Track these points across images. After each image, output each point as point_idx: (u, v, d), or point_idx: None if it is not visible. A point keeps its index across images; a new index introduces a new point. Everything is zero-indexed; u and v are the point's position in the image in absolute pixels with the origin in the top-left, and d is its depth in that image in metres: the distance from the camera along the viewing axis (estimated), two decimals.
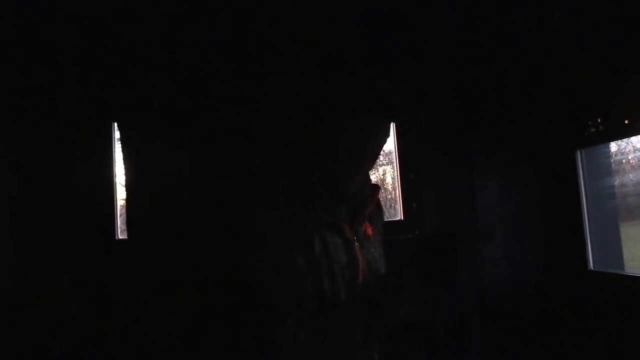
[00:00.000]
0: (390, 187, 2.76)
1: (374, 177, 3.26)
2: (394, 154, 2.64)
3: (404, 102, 1.18)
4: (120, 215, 2.40)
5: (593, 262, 2.20)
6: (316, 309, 1.02)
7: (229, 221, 1.09)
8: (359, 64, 1.16)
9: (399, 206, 2.58)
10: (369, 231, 1.25)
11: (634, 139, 2.21)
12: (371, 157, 1.14)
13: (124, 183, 2.38)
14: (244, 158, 2.24)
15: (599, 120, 2.07)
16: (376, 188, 1.28)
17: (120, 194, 2.42)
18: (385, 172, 3.33)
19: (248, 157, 2.23)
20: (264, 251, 1.01)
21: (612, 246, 2.22)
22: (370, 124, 1.08)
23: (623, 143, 2.33)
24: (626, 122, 1.94)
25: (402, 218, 2.54)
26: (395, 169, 2.62)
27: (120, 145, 2.40)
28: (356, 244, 1.16)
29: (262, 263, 1.00)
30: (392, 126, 1.20)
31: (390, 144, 2.72)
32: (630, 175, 2.35)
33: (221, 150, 2.32)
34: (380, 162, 3.33)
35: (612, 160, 2.29)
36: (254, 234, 1.03)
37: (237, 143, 2.31)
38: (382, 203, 2.59)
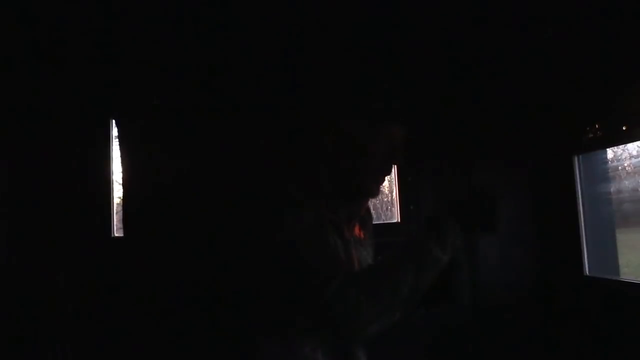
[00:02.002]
0: (387, 190, 2.76)
1: None
2: None
3: (409, 103, 1.19)
4: (117, 213, 2.39)
5: (589, 267, 2.21)
6: None
7: (248, 218, 1.08)
8: (369, 69, 1.18)
9: (396, 208, 2.58)
10: (361, 234, 1.25)
11: (630, 145, 2.23)
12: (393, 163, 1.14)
13: (120, 181, 2.37)
14: (244, 157, 2.24)
15: (596, 127, 2.08)
16: None
17: (117, 192, 2.41)
18: None
19: (248, 156, 2.23)
20: (297, 230, 0.98)
21: (607, 252, 2.23)
22: (388, 126, 1.10)
23: (619, 150, 2.35)
24: (624, 128, 1.96)
25: (399, 220, 2.54)
26: (393, 171, 2.62)
27: (117, 142, 2.39)
28: (352, 245, 1.16)
29: (298, 240, 0.97)
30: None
31: None
32: (627, 182, 2.36)
33: (219, 149, 2.32)
34: None
35: (609, 167, 2.30)
36: (286, 219, 1.00)
37: (235, 142, 2.30)
38: (379, 205, 2.60)
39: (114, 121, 2.39)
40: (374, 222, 1.35)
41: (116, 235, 2.36)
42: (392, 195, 2.68)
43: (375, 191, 1.16)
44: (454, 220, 1.05)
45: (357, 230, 1.23)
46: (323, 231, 1.05)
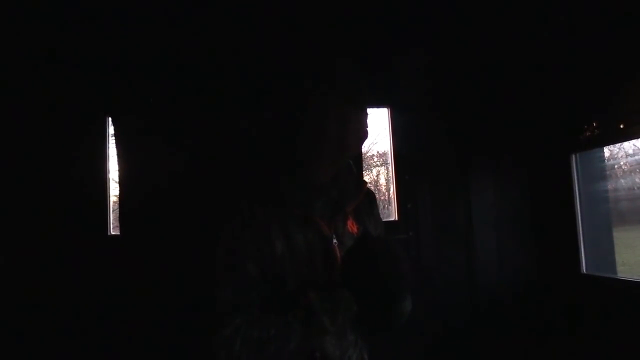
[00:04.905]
0: (384, 188, 2.76)
1: (367, 177, 3.26)
2: (389, 155, 2.64)
3: (372, 92, 1.16)
4: (113, 211, 2.38)
5: (586, 265, 2.22)
6: (264, 313, 1.02)
7: (198, 226, 1.12)
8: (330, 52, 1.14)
9: (393, 207, 2.58)
10: (354, 229, 1.20)
11: (627, 144, 2.24)
12: (343, 146, 1.09)
13: (117, 179, 2.36)
14: (226, 158, 2.25)
15: (594, 125, 2.08)
16: (362, 183, 1.25)
17: (114, 190, 2.40)
18: (380, 173, 3.33)
19: (228, 158, 2.24)
20: (214, 260, 1.03)
21: (604, 250, 2.24)
22: (336, 111, 1.06)
23: (616, 148, 2.35)
24: (621, 127, 1.96)
25: (397, 219, 2.54)
26: (390, 169, 2.62)
27: (114, 140, 2.38)
28: (334, 241, 1.12)
29: (212, 272, 1.03)
30: (369, 117, 1.18)
31: (385, 145, 2.72)
32: (623, 181, 2.37)
33: (209, 148, 2.31)
34: (375, 163, 3.33)
35: (606, 165, 2.31)
36: (210, 241, 1.05)
37: (224, 141, 2.30)
38: (377, 201, 2.59)
39: (110, 119, 2.38)
40: None
41: (112, 233, 2.34)
42: (389, 194, 2.68)
43: (321, 176, 1.13)
44: (347, 292, 1.01)
45: (349, 224, 1.20)
46: (262, 245, 1.04)
